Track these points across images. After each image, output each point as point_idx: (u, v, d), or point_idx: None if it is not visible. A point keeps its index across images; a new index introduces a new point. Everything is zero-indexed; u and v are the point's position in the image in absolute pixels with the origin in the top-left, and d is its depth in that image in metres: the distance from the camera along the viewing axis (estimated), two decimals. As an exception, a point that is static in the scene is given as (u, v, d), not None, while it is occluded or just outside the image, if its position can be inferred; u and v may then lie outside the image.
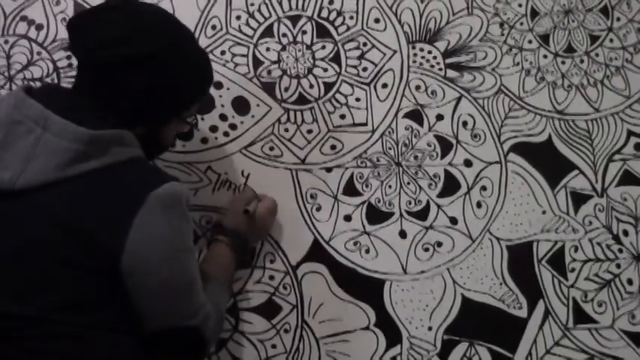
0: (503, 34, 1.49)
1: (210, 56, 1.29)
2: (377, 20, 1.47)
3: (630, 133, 1.47)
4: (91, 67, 0.98)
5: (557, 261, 1.40)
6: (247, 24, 1.43)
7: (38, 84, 1.34)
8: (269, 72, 1.42)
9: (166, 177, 0.99)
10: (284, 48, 1.43)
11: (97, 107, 0.96)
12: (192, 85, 1.07)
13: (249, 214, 1.24)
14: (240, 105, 1.40)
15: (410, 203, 1.40)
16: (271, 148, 1.39)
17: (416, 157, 1.42)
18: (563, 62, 1.50)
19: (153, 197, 0.92)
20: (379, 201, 1.39)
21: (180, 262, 0.98)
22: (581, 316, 1.38)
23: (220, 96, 1.39)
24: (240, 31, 1.43)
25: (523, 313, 1.37)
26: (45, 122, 0.92)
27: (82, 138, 0.92)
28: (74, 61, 1.34)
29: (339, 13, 1.46)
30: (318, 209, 1.37)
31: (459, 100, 1.45)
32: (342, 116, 1.42)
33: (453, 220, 1.40)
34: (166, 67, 0.99)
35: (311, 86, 1.42)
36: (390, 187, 1.40)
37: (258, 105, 1.40)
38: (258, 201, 1.28)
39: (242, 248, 1.25)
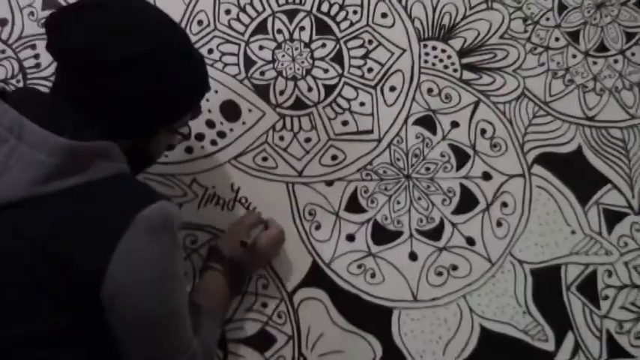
0: (526, 31, 1.49)
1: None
2: (384, 15, 1.46)
3: (672, 143, 1.47)
4: (73, 70, 0.96)
5: (588, 287, 1.40)
6: (238, 19, 1.42)
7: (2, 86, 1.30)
8: (262, 73, 1.41)
9: (156, 196, 0.97)
10: (279, 46, 1.43)
11: (79, 115, 0.95)
12: (186, 91, 1.05)
13: (247, 246, 1.23)
14: (230, 110, 1.39)
15: (421, 221, 1.39)
16: (264, 159, 1.37)
17: (428, 169, 1.41)
18: (594, 63, 1.50)
19: (140, 219, 0.91)
20: (386, 218, 1.38)
21: (167, 293, 0.97)
22: (615, 350, 1.38)
23: (207, 100, 1.37)
24: (230, 27, 1.42)
25: (550, 346, 1.37)
26: (20, 131, 0.90)
27: (62, 150, 0.90)
28: (43, 61, 1.35)
29: (342, 7, 1.45)
30: (318, 228, 1.36)
31: (476, 105, 1.45)
32: (345, 123, 1.41)
33: (470, 241, 1.40)
34: (158, 71, 0.97)
35: (309, 89, 1.41)
36: (398, 202, 1.39)
37: (250, 110, 1.39)
38: (263, 227, 1.28)
39: (238, 278, 1.26)
